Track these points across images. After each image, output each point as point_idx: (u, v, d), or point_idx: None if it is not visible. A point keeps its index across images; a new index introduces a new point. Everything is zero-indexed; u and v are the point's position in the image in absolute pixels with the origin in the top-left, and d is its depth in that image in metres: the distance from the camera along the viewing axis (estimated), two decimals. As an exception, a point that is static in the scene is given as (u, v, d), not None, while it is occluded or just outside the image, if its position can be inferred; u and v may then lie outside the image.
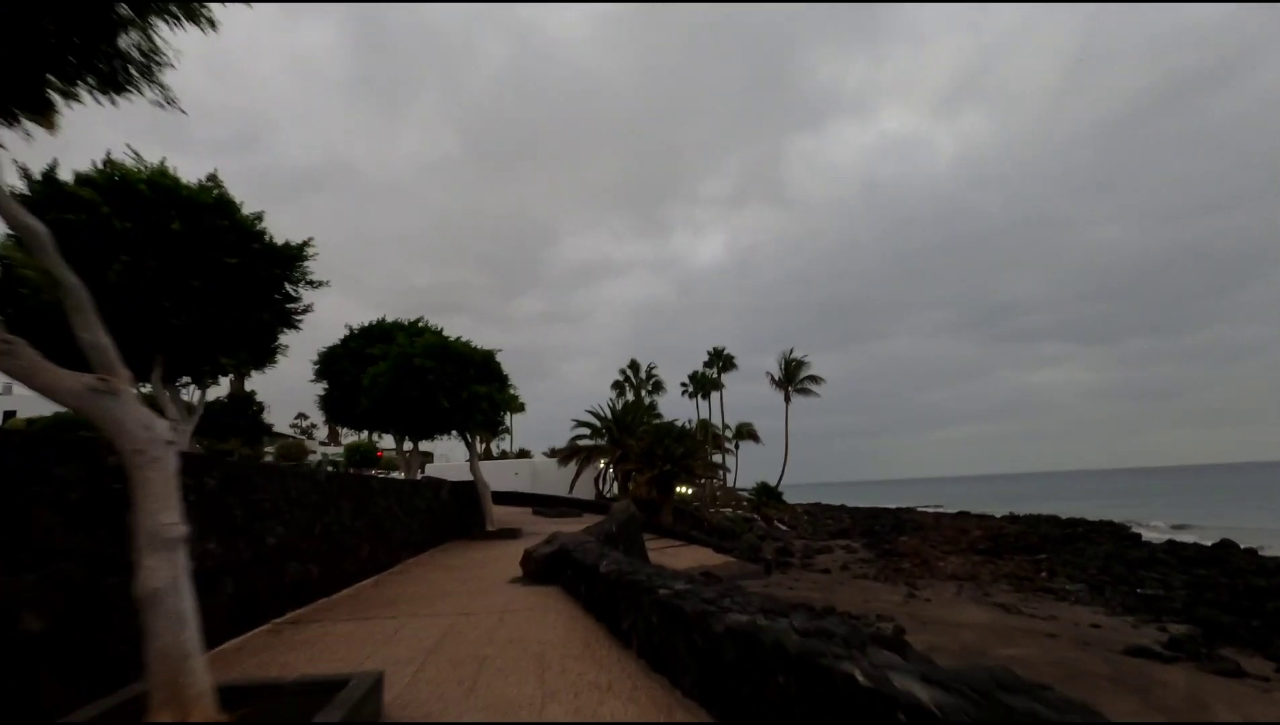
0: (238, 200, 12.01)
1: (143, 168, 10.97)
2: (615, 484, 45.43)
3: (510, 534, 20.10)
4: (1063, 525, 53.62)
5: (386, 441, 39.21)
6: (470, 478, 22.19)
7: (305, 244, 12.93)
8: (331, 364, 23.98)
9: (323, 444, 56.09)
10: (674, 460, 35.47)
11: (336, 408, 23.93)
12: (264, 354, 12.72)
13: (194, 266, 11.14)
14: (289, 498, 8.68)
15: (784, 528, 48.81)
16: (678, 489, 38.85)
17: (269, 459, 37.66)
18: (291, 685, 4.17)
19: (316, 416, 38.52)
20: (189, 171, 11.22)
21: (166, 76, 4.46)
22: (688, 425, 41.31)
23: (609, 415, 39.28)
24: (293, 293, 13.26)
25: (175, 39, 4.39)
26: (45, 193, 10.21)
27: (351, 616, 7.83)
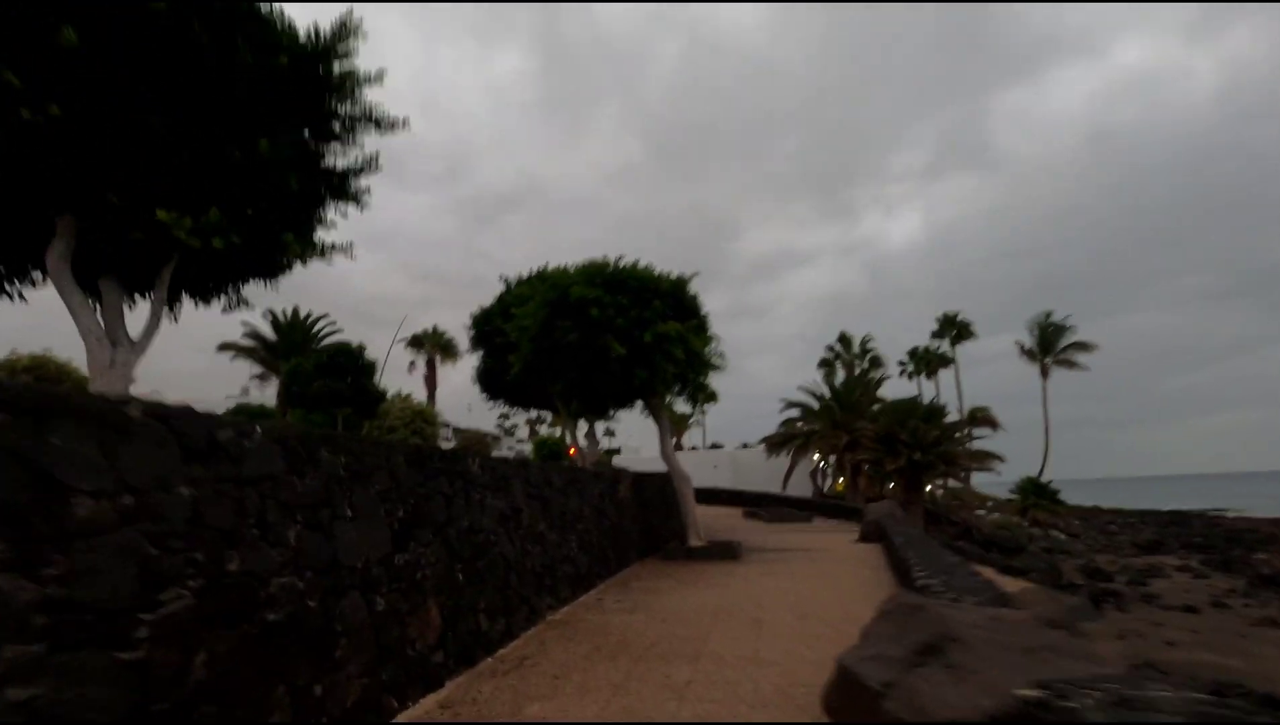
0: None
1: None
2: (835, 478, 36.62)
3: (726, 552, 12.80)
4: None
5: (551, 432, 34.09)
6: (662, 468, 15.35)
7: (345, 29, 6.67)
8: (484, 325, 18.40)
9: (520, 442, 51.73)
10: (924, 447, 26.12)
11: (494, 380, 18.31)
12: (277, 232, 6.54)
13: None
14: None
15: (1063, 536, 36.78)
16: (926, 486, 29.29)
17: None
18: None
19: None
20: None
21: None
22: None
23: (828, 393, 30.75)
24: (335, 129, 7.06)
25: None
26: None
27: None
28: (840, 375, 43.73)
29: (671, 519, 15.04)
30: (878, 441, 27.32)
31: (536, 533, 7.39)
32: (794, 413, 31.02)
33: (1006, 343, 51.42)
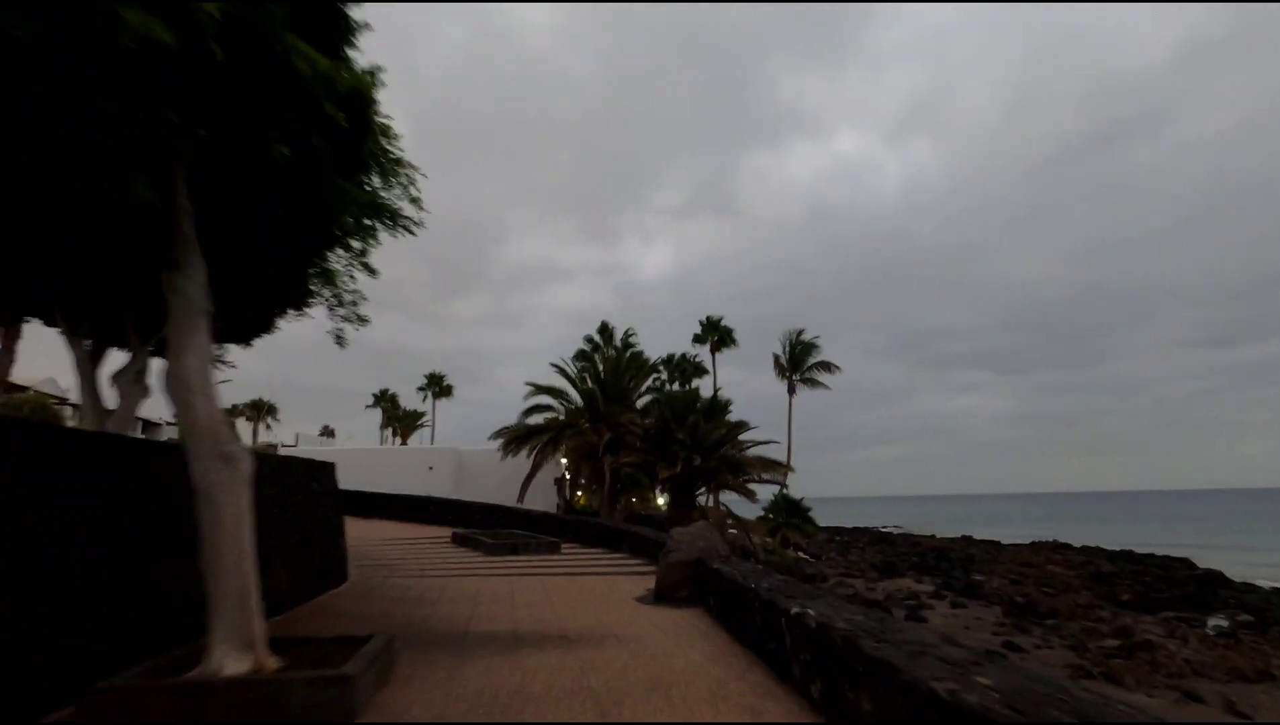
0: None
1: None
2: (577, 489, 29.25)
3: (324, 693, 4.09)
4: (1134, 561, 41.14)
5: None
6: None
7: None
8: None
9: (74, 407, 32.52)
10: (705, 449, 19.89)
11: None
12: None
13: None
14: None
15: (808, 557, 33.94)
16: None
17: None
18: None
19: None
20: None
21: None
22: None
23: (586, 380, 23.30)
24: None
25: None
26: None
27: None
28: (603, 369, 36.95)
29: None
30: (648, 441, 20.50)
31: None
32: (544, 400, 23.01)
33: (739, 373, 49.78)
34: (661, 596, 8.01)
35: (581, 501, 29.13)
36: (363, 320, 7.33)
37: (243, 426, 55.34)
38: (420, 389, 53.25)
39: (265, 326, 10.28)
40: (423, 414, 62.55)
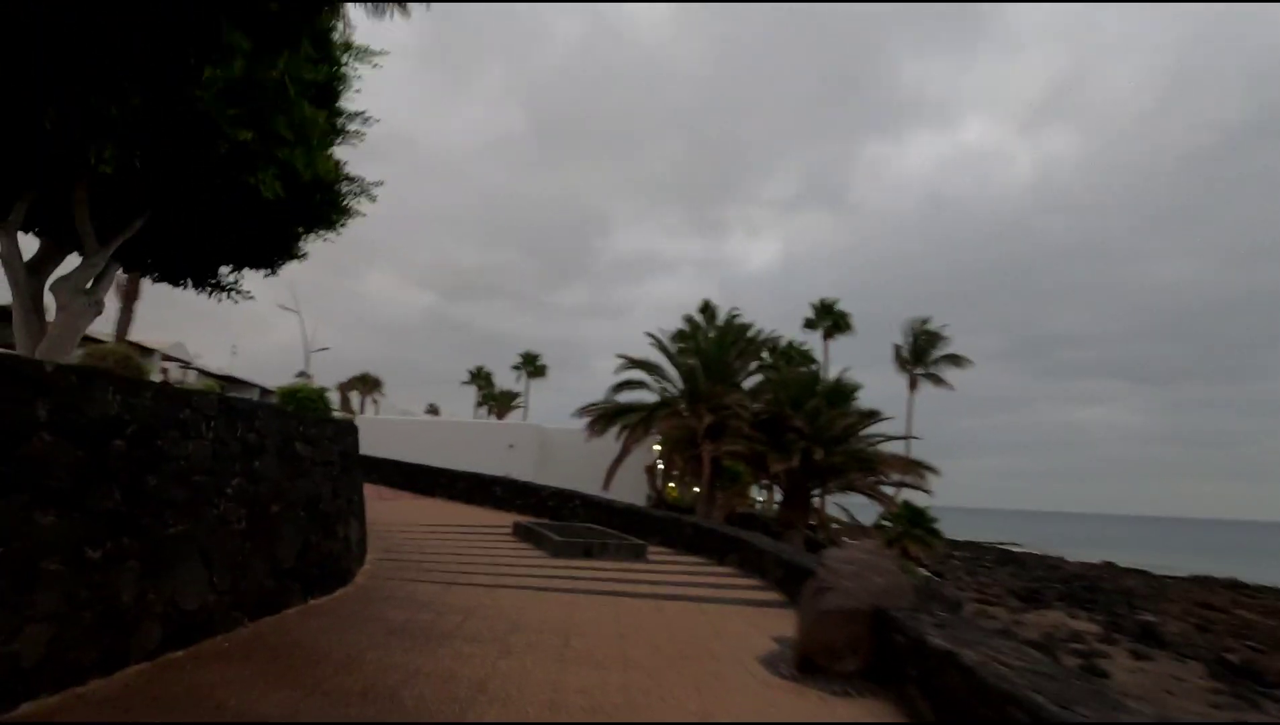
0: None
1: None
2: (669, 479, 26.15)
3: None
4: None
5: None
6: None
7: None
8: None
9: (198, 371, 30.39)
10: (828, 442, 16.17)
11: None
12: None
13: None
14: None
15: (933, 575, 29.15)
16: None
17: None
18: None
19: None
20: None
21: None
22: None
23: (685, 355, 20.05)
24: None
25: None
26: None
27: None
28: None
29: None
30: (757, 427, 17.01)
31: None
32: (636, 375, 19.98)
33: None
34: (810, 666, 4.68)
35: (673, 493, 26.09)
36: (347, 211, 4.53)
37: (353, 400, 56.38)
38: (515, 368, 52.00)
39: (286, 248, 7.86)
40: (518, 395, 61.67)
